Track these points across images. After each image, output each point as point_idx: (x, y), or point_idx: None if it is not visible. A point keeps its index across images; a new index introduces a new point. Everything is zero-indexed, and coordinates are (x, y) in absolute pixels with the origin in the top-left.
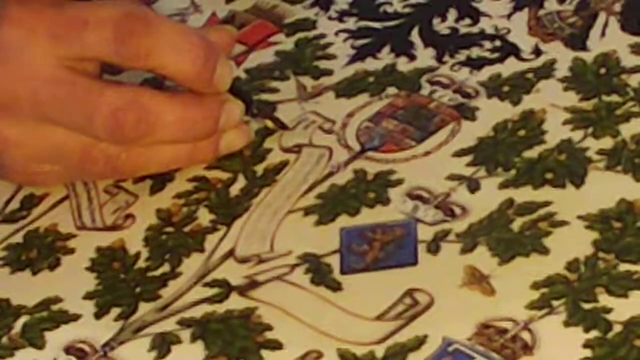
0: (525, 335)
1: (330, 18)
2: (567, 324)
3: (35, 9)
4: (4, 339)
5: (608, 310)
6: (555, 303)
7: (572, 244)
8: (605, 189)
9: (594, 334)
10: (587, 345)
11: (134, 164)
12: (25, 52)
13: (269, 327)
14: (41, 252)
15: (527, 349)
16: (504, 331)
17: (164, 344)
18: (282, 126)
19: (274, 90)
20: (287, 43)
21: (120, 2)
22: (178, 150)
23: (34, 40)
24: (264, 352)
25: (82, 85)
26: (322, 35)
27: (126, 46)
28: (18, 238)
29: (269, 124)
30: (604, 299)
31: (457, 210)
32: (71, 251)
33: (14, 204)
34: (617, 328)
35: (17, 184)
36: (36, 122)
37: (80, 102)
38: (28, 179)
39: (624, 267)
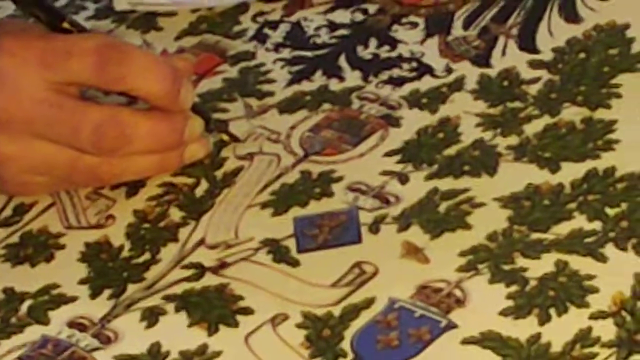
0: (458, 292)
1: (267, 49)
2: (491, 281)
3: (26, 40)
4: (13, 319)
5: (524, 270)
6: (480, 266)
7: (490, 220)
8: (515, 176)
9: (514, 288)
10: (509, 297)
11: (113, 173)
12: (18, 78)
13: (240, 298)
14: (36, 249)
15: (460, 302)
16: (440, 290)
17: (152, 315)
18: (236, 139)
19: (224, 110)
20: (231, 71)
21: (98, 35)
22: (149, 161)
23: (25, 67)
24: (239, 317)
25: (69, 106)
26: (262, 64)
27: (105, 72)
28: (15, 239)
29: (225, 137)
30: (520, 261)
31: (392, 199)
32: (62, 247)
33: (7, 212)
34: (533, 283)
35: (9, 195)
36: (29, 138)
37: (68, 120)
38: (20, 189)
39: (535, 235)
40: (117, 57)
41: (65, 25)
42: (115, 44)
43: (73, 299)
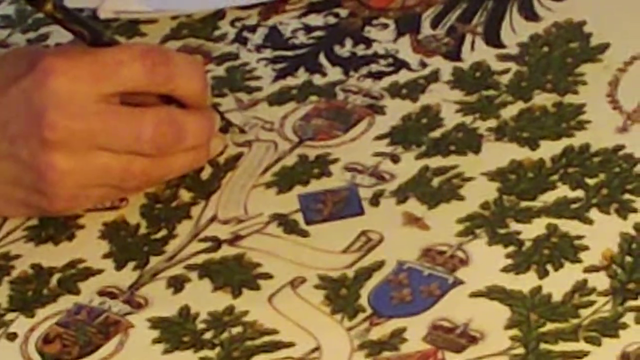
0: (460, 254)
1: (249, 50)
2: (489, 243)
3: (75, 58)
4: (45, 290)
5: (519, 233)
6: (477, 231)
7: (481, 192)
8: (498, 153)
9: (511, 248)
10: (508, 256)
11: (161, 173)
12: (73, 95)
13: (258, 265)
14: (57, 229)
15: (463, 262)
16: (443, 252)
17: (177, 282)
18: (241, 130)
19: (217, 104)
20: (218, 70)
21: (137, 43)
22: (189, 157)
23: (79, 84)
24: (260, 281)
25: (125, 113)
26: (246, 63)
27: (155, 75)
28: (34, 221)
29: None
30: (514, 226)
31: (387, 176)
32: (82, 226)
33: None
34: (528, 244)
35: (53, 214)
36: (87, 151)
37: (128, 126)
38: (69, 205)
39: (524, 204)
40: (162, 59)
41: (106, 39)
42: (155, 47)
43: (100, 271)
